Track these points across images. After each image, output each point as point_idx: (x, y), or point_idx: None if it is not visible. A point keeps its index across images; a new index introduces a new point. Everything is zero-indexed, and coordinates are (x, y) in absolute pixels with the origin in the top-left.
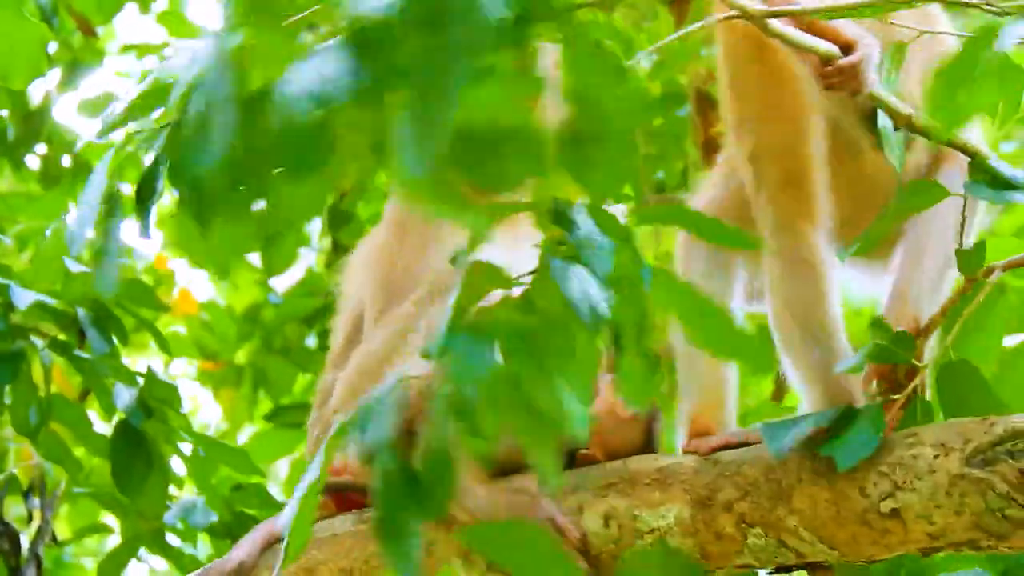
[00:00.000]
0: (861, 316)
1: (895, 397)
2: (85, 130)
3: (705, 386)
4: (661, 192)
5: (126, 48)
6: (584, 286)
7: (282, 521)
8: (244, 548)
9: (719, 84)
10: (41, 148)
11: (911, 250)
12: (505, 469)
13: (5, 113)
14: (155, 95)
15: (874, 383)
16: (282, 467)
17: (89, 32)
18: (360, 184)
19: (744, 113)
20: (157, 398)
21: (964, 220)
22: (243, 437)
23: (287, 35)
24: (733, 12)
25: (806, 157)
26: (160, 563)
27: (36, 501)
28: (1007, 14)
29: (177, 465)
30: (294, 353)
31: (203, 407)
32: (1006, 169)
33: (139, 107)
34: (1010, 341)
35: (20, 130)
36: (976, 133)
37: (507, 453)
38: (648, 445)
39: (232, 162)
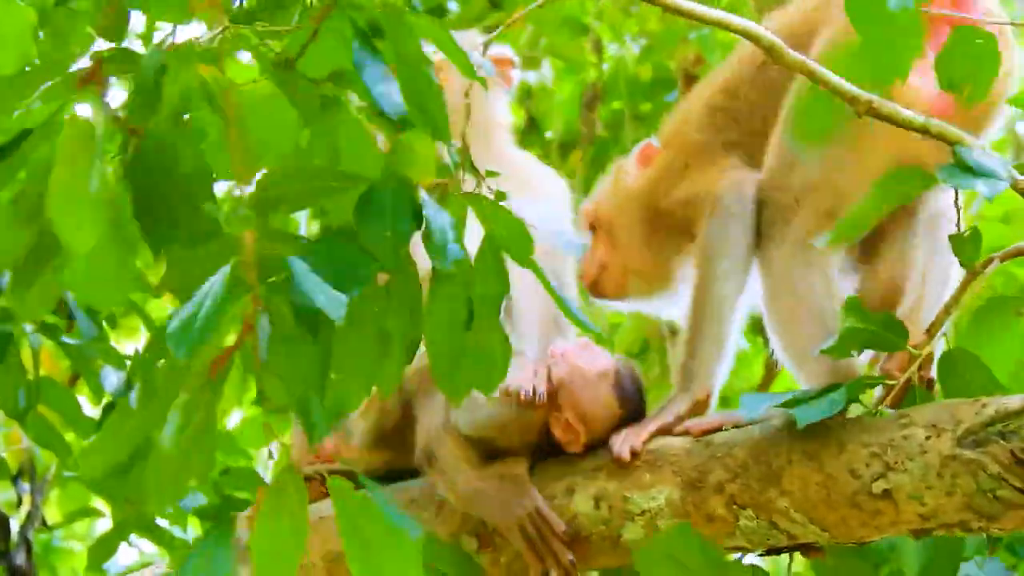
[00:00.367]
0: None
1: (891, 382)
2: None
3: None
4: None
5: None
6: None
7: None
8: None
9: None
10: None
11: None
12: (494, 453)
13: None
14: None
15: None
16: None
17: None
18: None
19: (809, 155)
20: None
21: (959, 211)
22: (231, 422)
23: None
24: None
25: (854, 197)
26: (150, 547)
27: (26, 486)
28: None
29: None
30: None
31: None
32: (986, 158)
33: None
34: None
35: None
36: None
37: (497, 438)
38: (625, 399)
39: None
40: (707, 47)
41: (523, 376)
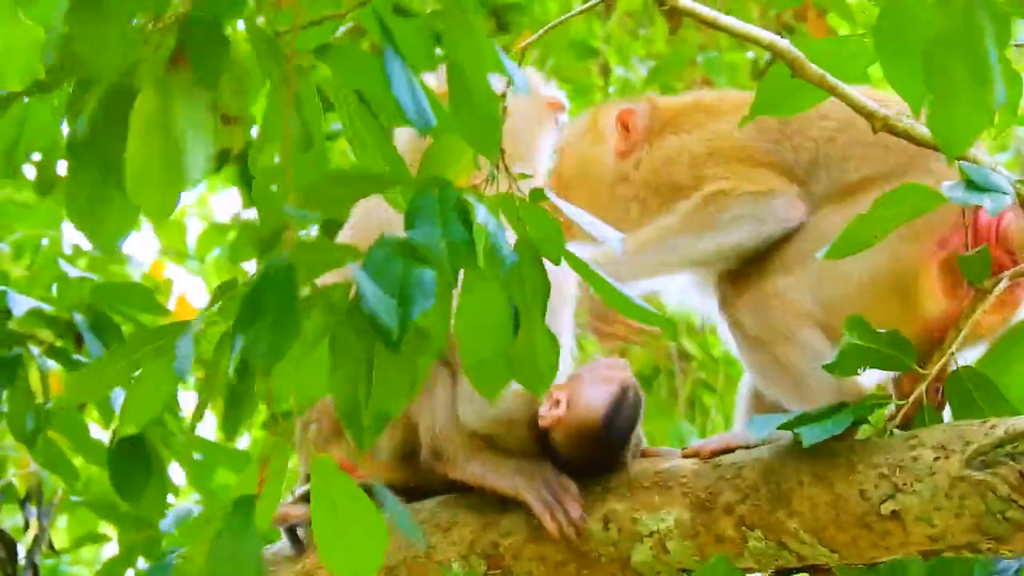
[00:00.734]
0: None
1: (900, 402)
2: None
3: None
4: None
5: None
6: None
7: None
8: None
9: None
10: (36, 156)
11: None
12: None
13: None
14: None
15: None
16: None
17: None
18: None
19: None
20: None
21: (967, 230)
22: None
23: None
24: None
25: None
26: None
27: (33, 510)
28: None
29: (173, 473)
30: None
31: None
32: (991, 174)
33: None
34: None
35: None
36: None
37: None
38: (616, 412)
39: None
40: (714, 69)
41: None
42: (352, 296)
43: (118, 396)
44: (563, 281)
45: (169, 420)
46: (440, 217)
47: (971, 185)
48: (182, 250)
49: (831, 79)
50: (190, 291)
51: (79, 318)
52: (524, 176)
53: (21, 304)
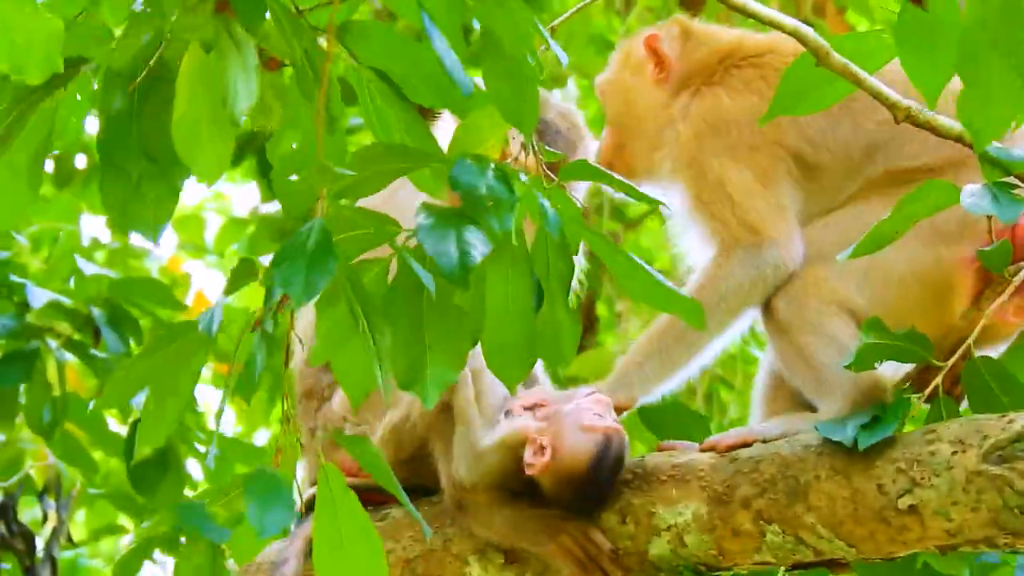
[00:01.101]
0: None
1: (915, 396)
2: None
3: None
4: None
5: None
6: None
7: None
8: (291, 565)
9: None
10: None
11: None
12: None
13: None
14: None
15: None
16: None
17: None
18: None
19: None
20: None
21: (989, 220)
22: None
23: None
24: None
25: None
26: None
27: (51, 503)
28: None
29: (191, 468)
30: None
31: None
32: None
33: None
34: None
35: None
36: None
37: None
38: (597, 463)
39: None
40: None
41: (521, 424)
42: (398, 266)
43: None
44: None
45: (187, 415)
46: (482, 178)
47: (994, 164)
48: (200, 245)
49: (854, 68)
50: (208, 286)
51: (97, 312)
52: (554, 156)
53: (40, 297)
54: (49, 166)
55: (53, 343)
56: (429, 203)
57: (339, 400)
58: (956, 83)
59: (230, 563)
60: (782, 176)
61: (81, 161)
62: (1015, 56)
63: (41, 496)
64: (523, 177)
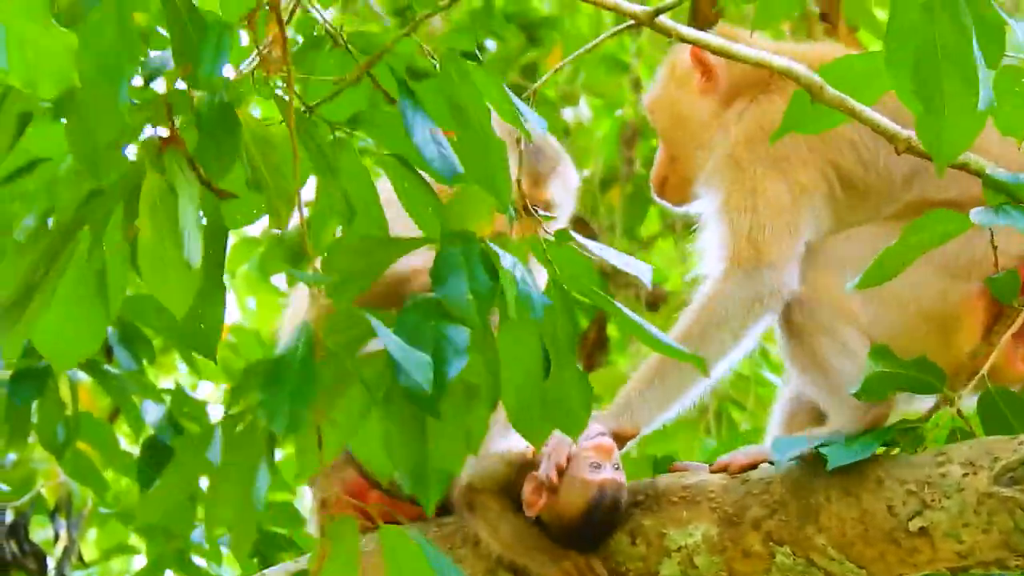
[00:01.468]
0: None
1: (917, 422)
2: None
3: None
4: None
5: None
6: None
7: None
8: None
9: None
10: None
11: None
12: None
13: None
14: None
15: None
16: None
17: None
18: None
19: None
20: (186, 415)
21: (995, 249)
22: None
23: None
24: None
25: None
26: None
27: (63, 522)
28: None
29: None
30: None
31: None
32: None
33: None
34: None
35: None
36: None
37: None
38: (589, 515)
39: None
40: None
41: (525, 447)
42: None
43: (147, 407)
44: None
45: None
46: (466, 270)
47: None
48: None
49: (851, 102)
50: None
51: (109, 330)
52: (548, 218)
53: None
54: None
55: None
56: (415, 300)
57: None
58: None
59: None
60: (817, 196)
61: None
62: (965, 69)
63: (53, 515)
64: (507, 259)
